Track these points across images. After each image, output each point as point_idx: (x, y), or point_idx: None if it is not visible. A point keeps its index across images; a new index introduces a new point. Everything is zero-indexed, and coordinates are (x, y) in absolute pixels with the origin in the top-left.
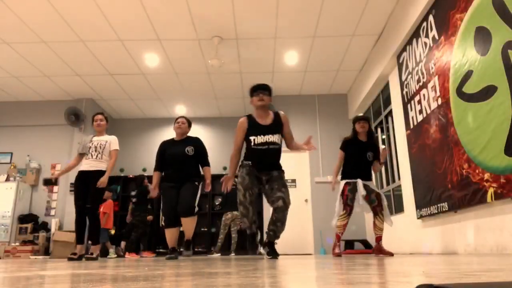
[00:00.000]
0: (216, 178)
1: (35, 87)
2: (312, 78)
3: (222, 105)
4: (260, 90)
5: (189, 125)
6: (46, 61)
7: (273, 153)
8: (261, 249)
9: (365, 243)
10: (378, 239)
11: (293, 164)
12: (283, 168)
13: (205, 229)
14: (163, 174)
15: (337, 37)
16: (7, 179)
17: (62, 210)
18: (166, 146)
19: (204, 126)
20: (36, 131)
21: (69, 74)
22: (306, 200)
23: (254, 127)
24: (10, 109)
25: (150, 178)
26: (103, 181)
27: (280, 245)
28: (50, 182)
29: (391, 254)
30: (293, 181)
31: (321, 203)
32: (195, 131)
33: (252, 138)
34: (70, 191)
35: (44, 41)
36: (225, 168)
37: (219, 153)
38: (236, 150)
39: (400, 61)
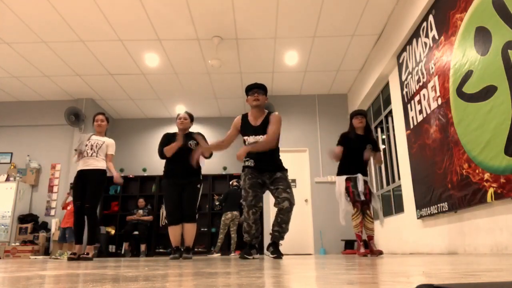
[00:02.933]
0: (216, 178)
1: (35, 87)
2: (312, 78)
3: (222, 105)
4: (256, 89)
5: (191, 120)
6: (46, 61)
7: (266, 151)
8: (256, 254)
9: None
10: (369, 238)
11: (293, 164)
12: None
13: (205, 229)
14: (163, 169)
15: (337, 37)
16: (7, 179)
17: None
18: (169, 139)
19: (204, 126)
20: (36, 131)
21: (69, 74)
22: (306, 200)
23: (246, 127)
24: (10, 109)
25: (149, 177)
26: (118, 179)
27: None
28: (81, 152)
29: (381, 253)
30: (293, 181)
31: (321, 203)
32: (195, 130)
33: (245, 138)
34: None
35: (44, 41)
36: (225, 168)
37: (219, 153)
38: (223, 139)
39: (400, 61)
